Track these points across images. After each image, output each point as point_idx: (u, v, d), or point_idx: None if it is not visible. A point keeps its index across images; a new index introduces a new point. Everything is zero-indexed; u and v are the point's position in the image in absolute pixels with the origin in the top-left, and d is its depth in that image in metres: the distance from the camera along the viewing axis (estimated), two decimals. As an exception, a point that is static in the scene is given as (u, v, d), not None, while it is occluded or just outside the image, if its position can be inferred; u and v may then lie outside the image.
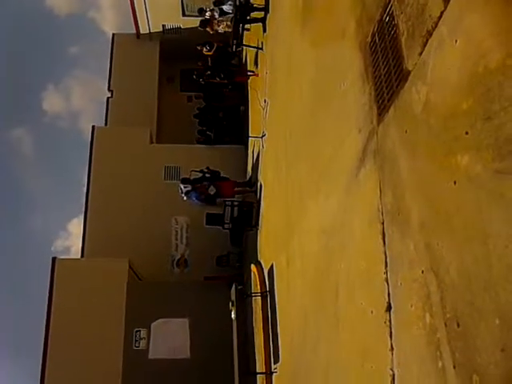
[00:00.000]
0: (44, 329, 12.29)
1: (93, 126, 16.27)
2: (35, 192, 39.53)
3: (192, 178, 12.59)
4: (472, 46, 2.66)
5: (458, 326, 2.70)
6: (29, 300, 36.05)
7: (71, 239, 40.77)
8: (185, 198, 12.19)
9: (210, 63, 14.67)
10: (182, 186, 12.17)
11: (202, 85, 15.48)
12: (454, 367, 2.72)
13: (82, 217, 15.47)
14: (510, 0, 2.34)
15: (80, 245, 15.03)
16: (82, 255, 14.79)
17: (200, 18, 14.36)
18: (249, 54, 14.68)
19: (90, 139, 15.93)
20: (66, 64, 41.33)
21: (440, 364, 2.89)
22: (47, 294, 12.55)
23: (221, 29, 13.51)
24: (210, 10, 13.43)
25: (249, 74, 13.48)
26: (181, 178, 13.21)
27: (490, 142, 2.44)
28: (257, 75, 12.29)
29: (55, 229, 48.32)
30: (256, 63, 12.43)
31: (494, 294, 2.37)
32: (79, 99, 43.58)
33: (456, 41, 2.84)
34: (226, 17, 13.04)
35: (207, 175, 12.67)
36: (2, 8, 33.90)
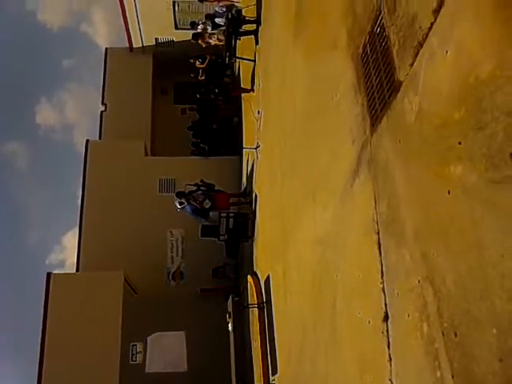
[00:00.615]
0: (39, 344, 12.18)
1: (87, 140, 16.25)
2: (29, 206, 39.37)
3: (187, 191, 12.58)
4: (463, 56, 2.68)
5: (456, 335, 2.70)
6: (23, 316, 35.71)
7: (66, 253, 40.55)
8: (179, 208, 12.19)
9: (202, 76, 14.73)
10: (177, 202, 12.16)
11: (195, 97, 15.53)
12: (453, 377, 2.72)
13: (76, 230, 15.41)
14: (499, 11, 2.36)
15: (75, 258, 14.98)
16: (78, 269, 14.70)
17: (192, 31, 14.47)
18: (242, 68, 14.76)
19: (83, 153, 15.92)
20: (59, 77, 41.37)
21: (438, 374, 2.88)
22: (42, 309, 12.46)
23: (213, 41, 13.59)
24: (203, 23, 13.52)
25: (243, 91, 13.34)
26: (176, 191, 13.19)
27: (482, 151, 2.46)
28: (251, 91, 12.21)
29: (50, 242, 48.05)
30: (252, 79, 12.26)
31: (490, 303, 2.37)
32: (73, 112, 43.56)
33: (447, 51, 2.87)
34: (219, 30, 13.12)
35: (202, 188, 12.67)
36: (-6, 23, 34.01)
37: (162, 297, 14.10)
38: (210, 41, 13.54)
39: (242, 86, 13.56)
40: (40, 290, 12.79)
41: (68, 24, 41.79)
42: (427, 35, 3.11)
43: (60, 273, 14.58)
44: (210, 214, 12.23)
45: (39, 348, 12.12)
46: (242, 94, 14.20)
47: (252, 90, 12.20)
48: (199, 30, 13.65)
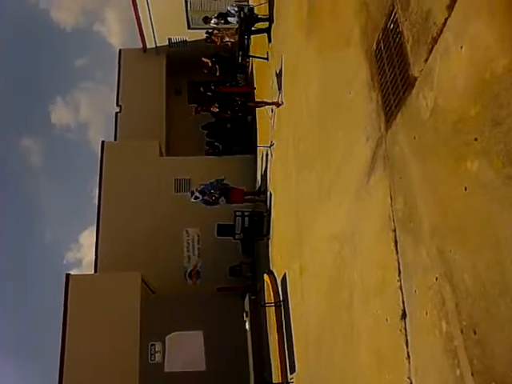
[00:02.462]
0: (60, 344, 12.32)
1: (102, 142, 16.39)
2: (45, 204, 39.78)
3: (200, 188, 12.59)
4: (478, 52, 2.65)
5: (475, 333, 2.67)
6: (41, 315, 36.18)
7: (83, 251, 40.93)
8: (193, 201, 12.23)
9: (217, 72, 14.79)
10: (192, 197, 12.20)
11: (209, 96, 15.58)
12: (472, 375, 2.70)
13: (92, 228, 15.60)
14: (514, 5, 2.34)
15: (91, 257, 15.14)
16: (96, 269, 14.85)
17: (205, 29, 14.53)
18: (255, 66, 14.75)
19: (99, 154, 16.06)
20: (73, 76, 41.77)
21: (458, 372, 2.86)
22: (62, 310, 12.60)
23: (227, 39, 13.62)
24: (216, 18, 13.53)
25: (270, 102, 10.97)
26: (191, 190, 13.24)
27: (499, 147, 2.44)
28: (278, 104, 10.15)
29: (66, 241, 48.53)
30: (279, 88, 10.13)
31: (510, 300, 2.35)
32: (87, 111, 43.93)
33: (461, 47, 2.84)
34: (232, 25, 13.15)
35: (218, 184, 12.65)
36: (9, 22, 34.45)
37: (180, 296, 14.16)
38: (225, 38, 13.58)
39: (262, 98, 11.76)
40: (58, 290, 12.96)
41: (81, 23, 42.20)
42: (441, 31, 3.08)
43: (78, 274, 14.75)
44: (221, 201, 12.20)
45: (59, 348, 12.26)
46: (255, 91, 14.21)
47: (278, 103, 10.24)
48: (212, 24, 13.69)
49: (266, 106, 11.36)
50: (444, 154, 3.08)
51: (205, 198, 12.12)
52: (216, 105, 12.00)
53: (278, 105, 10.16)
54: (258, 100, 12.65)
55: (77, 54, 45.37)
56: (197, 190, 12.37)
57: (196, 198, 12.15)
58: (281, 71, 9.89)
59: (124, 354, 12.15)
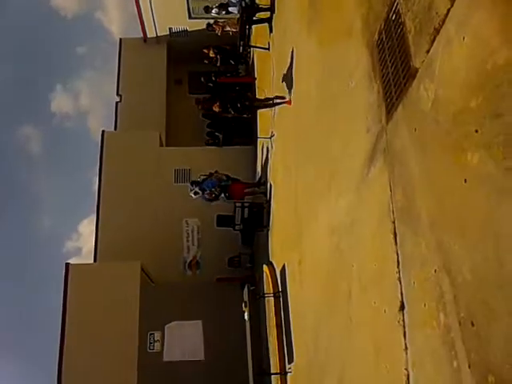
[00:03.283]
0: (59, 333, 12.36)
1: (102, 131, 16.34)
2: (44, 193, 39.71)
3: (201, 179, 12.58)
4: (480, 43, 2.63)
5: (473, 325, 2.68)
6: (41, 303, 36.28)
7: (82, 240, 40.92)
8: (193, 197, 12.22)
9: (218, 63, 14.73)
10: (192, 192, 12.16)
11: (210, 87, 15.52)
12: (469, 367, 2.70)
13: (92, 217, 15.61)
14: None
15: (91, 246, 15.15)
16: (95, 259, 14.88)
17: (207, 19, 14.43)
18: (256, 56, 14.68)
19: (99, 144, 16.03)
20: (73, 64, 41.55)
21: (455, 364, 2.87)
22: (61, 299, 12.63)
23: (228, 28, 13.54)
24: (217, 7, 13.45)
25: (279, 101, 9.85)
26: (190, 180, 13.24)
27: (500, 139, 2.42)
28: (289, 102, 9.17)
29: (66, 230, 48.47)
30: (290, 89, 9.13)
31: (508, 292, 2.35)
32: (87, 99, 43.73)
33: (464, 38, 2.82)
34: (233, 15, 13.07)
35: (216, 175, 12.62)
36: (9, 10, 34.24)
37: (179, 286, 14.20)
38: (226, 28, 13.50)
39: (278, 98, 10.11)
40: (58, 278, 12.98)
41: (82, 11, 41.93)
42: (444, 21, 3.06)
43: (78, 263, 14.75)
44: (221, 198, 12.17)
45: (59, 337, 12.30)
46: (256, 81, 14.15)
47: (289, 101, 9.24)
48: (213, 14, 13.61)
49: (276, 106, 10.21)
50: (444, 146, 3.07)
51: (205, 194, 12.10)
52: (218, 104, 11.51)
53: (289, 103, 9.08)
54: (264, 97, 11.58)
55: (77, 41, 45.14)
56: (197, 182, 12.34)
57: (196, 193, 12.14)
58: (291, 65, 8.96)
59: (123, 343, 12.19)
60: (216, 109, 11.44)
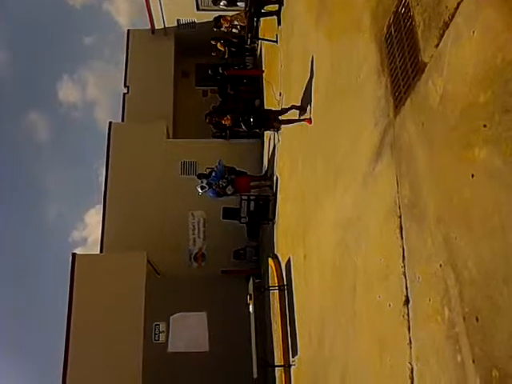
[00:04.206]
0: (66, 323, 12.45)
1: (110, 122, 16.37)
2: (51, 182, 39.69)
3: (207, 172, 12.60)
4: (490, 37, 2.62)
5: (477, 320, 2.68)
6: (46, 294, 36.47)
7: (88, 230, 40.95)
8: (200, 192, 12.24)
9: (225, 55, 14.70)
10: (199, 186, 12.16)
11: (217, 79, 15.50)
12: (473, 361, 2.71)
13: (98, 207, 15.66)
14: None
15: (96, 237, 15.23)
16: (101, 250, 14.95)
17: (215, 11, 14.38)
18: (264, 49, 14.64)
19: (107, 135, 16.06)
20: (81, 54, 41.49)
21: (459, 358, 2.87)
22: (68, 290, 12.70)
23: (236, 22, 13.49)
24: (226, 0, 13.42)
25: (298, 119, 8.66)
26: (197, 173, 13.25)
27: (508, 134, 2.42)
28: (309, 121, 8.02)
29: (72, 220, 48.48)
30: (309, 103, 8.07)
31: (513, 288, 2.35)
32: (94, 89, 43.65)
33: (473, 32, 2.80)
34: (241, 7, 13.03)
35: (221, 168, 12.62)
36: (17, -1, 34.22)
37: (184, 278, 14.26)
38: (235, 22, 13.45)
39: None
40: (64, 268, 13.05)
41: (90, 1, 41.80)
42: (453, 15, 3.05)
43: (84, 254, 14.83)
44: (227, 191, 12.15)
45: (65, 328, 12.39)
46: (263, 74, 14.10)
47: (309, 120, 8.14)
48: (221, 6, 13.56)
49: (291, 124, 9.07)
50: (452, 141, 3.06)
51: (213, 187, 12.09)
52: (228, 117, 11.14)
53: (309, 121, 8.08)
54: (280, 108, 10.52)
55: (85, 31, 45.09)
56: (204, 175, 12.35)
57: (202, 187, 12.14)
58: (311, 78, 7.91)
59: (128, 334, 12.26)
60: (226, 122, 11.26)
